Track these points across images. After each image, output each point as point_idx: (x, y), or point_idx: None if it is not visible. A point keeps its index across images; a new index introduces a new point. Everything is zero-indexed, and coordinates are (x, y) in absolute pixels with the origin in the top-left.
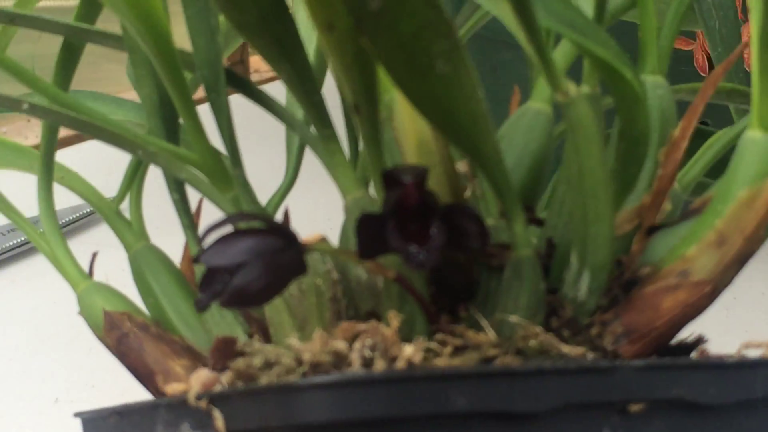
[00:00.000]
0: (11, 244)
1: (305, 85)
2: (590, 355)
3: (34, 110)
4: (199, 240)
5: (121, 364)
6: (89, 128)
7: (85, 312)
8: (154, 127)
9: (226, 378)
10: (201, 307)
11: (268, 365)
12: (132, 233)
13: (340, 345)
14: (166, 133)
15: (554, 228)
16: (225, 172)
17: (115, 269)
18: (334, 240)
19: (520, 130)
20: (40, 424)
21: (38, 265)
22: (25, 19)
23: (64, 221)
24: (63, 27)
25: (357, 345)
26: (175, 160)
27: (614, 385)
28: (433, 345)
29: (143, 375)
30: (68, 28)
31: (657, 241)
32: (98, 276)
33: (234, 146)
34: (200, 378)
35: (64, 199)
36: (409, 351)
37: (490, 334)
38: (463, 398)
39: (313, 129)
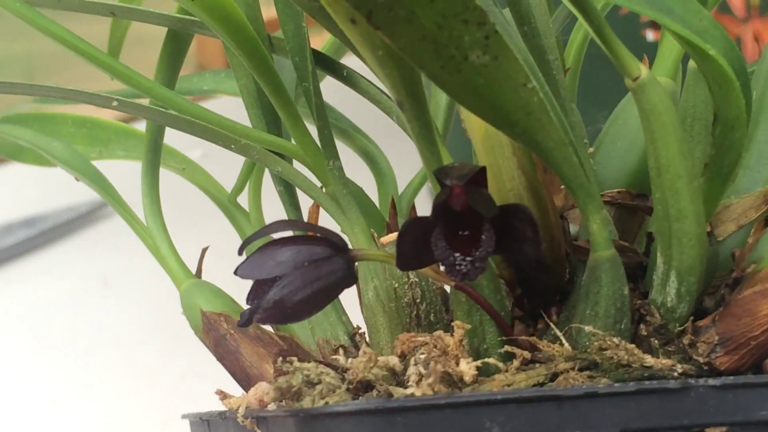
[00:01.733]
0: (7, 244)
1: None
2: (680, 368)
3: (123, 107)
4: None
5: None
6: (180, 122)
7: (186, 312)
8: (254, 117)
9: (269, 396)
10: (243, 323)
11: (310, 384)
12: (249, 224)
13: (393, 361)
14: (266, 124)
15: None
16: (323, 165)
17: (115, 270)
18: None
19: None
20: (37, 426)
21: (34, 266)
22: (127, 12)
23: (62, 221)
24: (164, 19)
25: (412, 360)
26: (269, 153)
27: (686, 408)
28: (493, 360)
29: (240, 378)
30: (170, 20)
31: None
32: (96, 278)
33: (330, 137)
34: (257, 392)
35: (64, 199)
36: (464, 367)
37: (566, 346)
38: (497, 428)
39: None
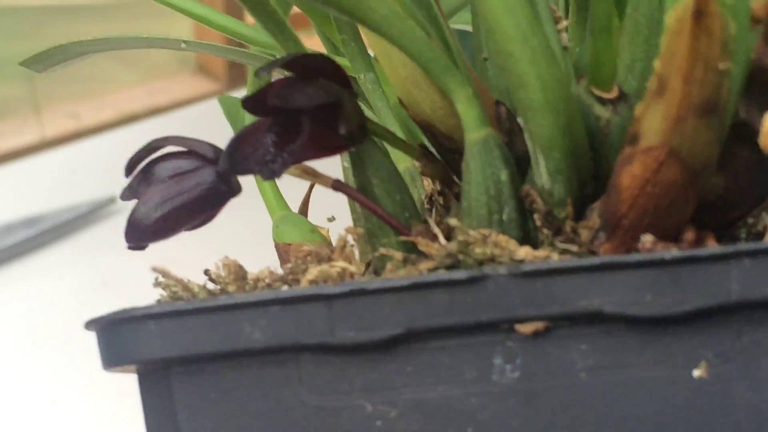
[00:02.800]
0: (7, 244)
1: None
2: (557, 259)
3: (190, 46)
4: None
5: None
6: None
7: (276, 238)
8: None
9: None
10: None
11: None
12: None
13: (264, 273)
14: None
15: None
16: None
17: (115, 270)
18: None
19: None
20: (37, 426)
21: (34, 266)
22: None
23: (62, 221)
24: None
25: (287, 267)
26: None
27: (483, 302)
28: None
29: None
30: None
31: None
32: (96, 278)
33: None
34: None
35: (64, 199)
36: (310, 273)
37: (443, 243)
38: (259, 332)
39: None
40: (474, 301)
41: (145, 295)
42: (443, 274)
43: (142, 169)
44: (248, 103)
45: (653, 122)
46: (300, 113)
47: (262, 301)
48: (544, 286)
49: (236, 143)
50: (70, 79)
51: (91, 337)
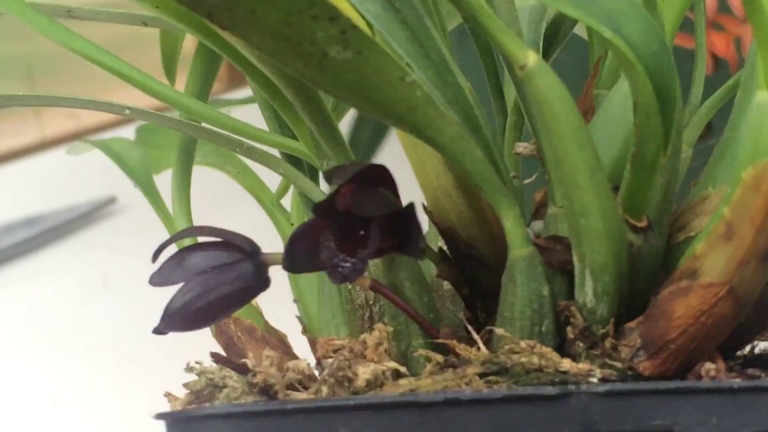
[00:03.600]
0: (7, 244)
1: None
2: (599, 373)
3: (135, 113)
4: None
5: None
6: (185, 126)
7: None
8: (268, 119)
9: (183, 399)
10: (156, 331)
11: (216, 387)
12: (290, 226)
13: (302, 365)
14: (279, 126)
15: None
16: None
17: (114, 270)
18: None
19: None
20: (37, 426)
21: (34, 266)
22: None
23: (62, 221)
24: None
25: (328, 362)
26: (271, 156)
27: (565, 417)
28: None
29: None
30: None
31: None
32: (96, 278)
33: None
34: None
35: (64, 199)
36: (363, 372)
37: (482, 350)
38: None
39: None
40: (557, 416)
41: (145, 295)
42: (535, 389)
43: (175, 257)
44: (322, 210)
45: (717, 262)
46: (368, 220)
47: (358, 405)
48: (622, 405)
49: (294, 242)
50: (70, 80)
51: (91, 337)
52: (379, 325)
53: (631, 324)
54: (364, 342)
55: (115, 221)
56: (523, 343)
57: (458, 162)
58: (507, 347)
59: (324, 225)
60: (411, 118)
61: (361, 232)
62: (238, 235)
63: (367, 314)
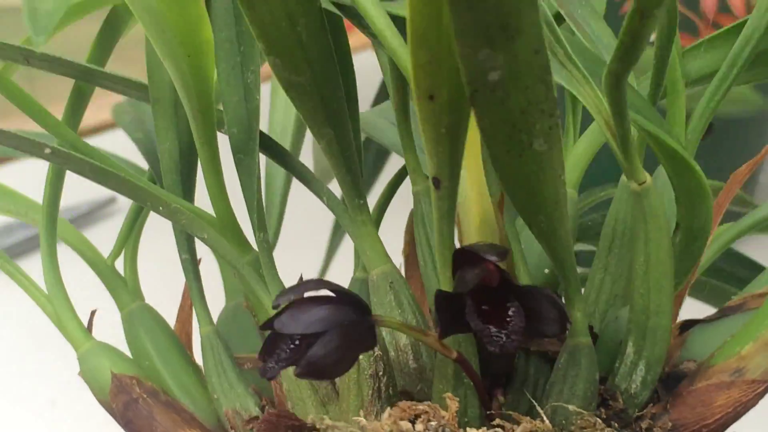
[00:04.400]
0: (7, 244)
1: (345, 151)
2: None
3: (55, 156)
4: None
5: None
6: (111, 178)
7: (88, 373)
8: (171, 183)
9: None
10: (270, 375)
11: None
12: (127, 291)
13: (406, 426)
14: (183, 191)
15: (591, 316)
16: (242, 235)
17: None
18: None
19: None
20: (37, 426)
21: (35, 266)
22: (40, 58)
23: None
24: (78, 69)
25: (419, 427)
26: (197, 219)
27: None
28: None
29: None
30: (84, 71)
31: (697, 337)
32: (96, 277)
33: (261, 210)
34: None
35: (64, 198)
36: None
37: (546, 423)
38: None
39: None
40: None
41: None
42: None
43: (297, 306)
44: (473, 284)
45: (762, 364)
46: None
47: None
48: None
49: (439, 310)
50: (71, 79)
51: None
52: (449, 395)
53: (657, 409)
54: (437, 409)
55: (115, 221)
56: (594, 419)
57: (561, 254)
58: (578, 422)
59: (457, 297)
60: (553, 210)
61: (490, 307)
62: (351, 292)
63: (376, 385)
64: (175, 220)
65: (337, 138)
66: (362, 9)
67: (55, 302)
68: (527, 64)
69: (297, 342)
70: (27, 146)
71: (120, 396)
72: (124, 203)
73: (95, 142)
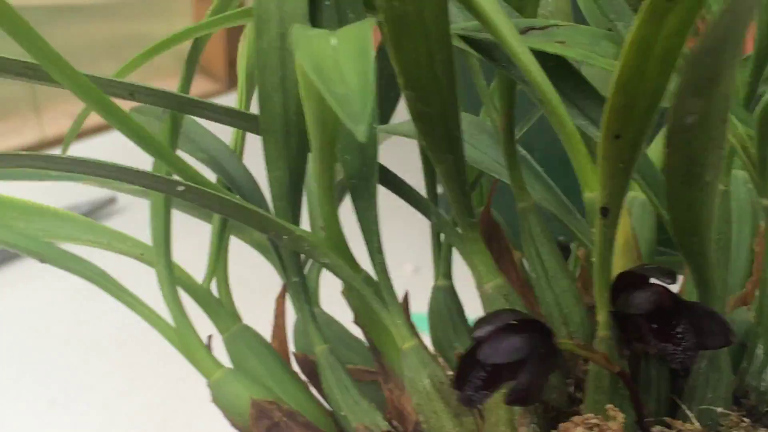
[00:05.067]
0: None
1: (461, 175)
2: None
3: (188, 193)
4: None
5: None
6: (242, 212)
7: (224, 400)
8: (280, 209)
9: None
10: (475, 403)
11: None
12: (225, 313)
13: None
14: (292, 217)
15: None
16: (352, 255)
17: (114, 269)
18: None
19: None
20: (37, 426)
21: (35, 267)
22: (145, 93)
23: None
24: (182, 101)
25: None
26: (320, 245)
27: None
28: None
29: None
30: (188, 103)
31: None
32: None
33: (378, 236)
34: None
35: (64, 199)
36: None
37: (696, 424)
38: None
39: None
40: None
41: (145, 295)
42: None
43: (499, 335)
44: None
45: None
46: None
47: None
48: None
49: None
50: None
51: (92, 337)
52: (610, 406)
53: None
54: (605, 422)
55: (115, 221)
56: (740, 418)
57: (702, 272)
58: (728, 423)
59: (632, 317)
60: (704, 234)
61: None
62: (536, 318)
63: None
64: (296, 248)
65: (456, 163)
66: (508, 46)
67: (183, 333)
68: (717, 108)
69: (489, 370)
70: (160, 184)
71: (261, 421)
72: (124, 203)
73: (94, 142)
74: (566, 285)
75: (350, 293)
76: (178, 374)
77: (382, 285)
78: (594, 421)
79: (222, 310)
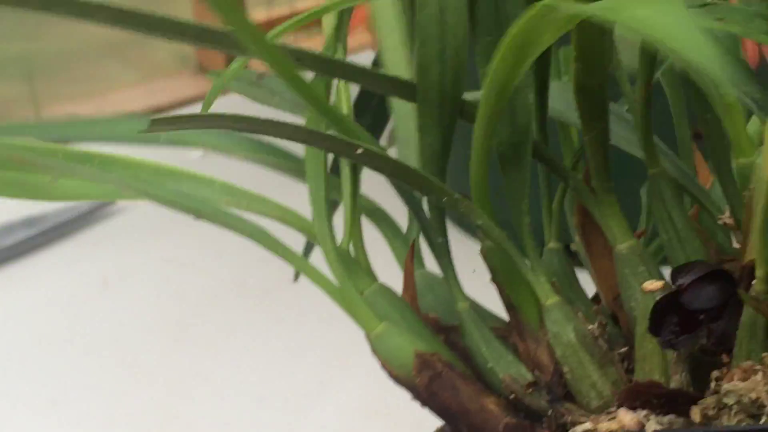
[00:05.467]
0: (7, 244)
1: (606, 141)
2: None
3: (365, 156)
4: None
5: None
6: (411, 174)
7: (387, 353)
8: (433, 173)
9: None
10: (673, 347)
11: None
12: (363, 272)
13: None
14: (440, 181)
15: None
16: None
17: (114, 270)
18: None
19: None
20: (37, 426)
21: (35, 266)
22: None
23: (62, 221)
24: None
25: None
26: (474, 208)
27: None
28: None
29: (457, 413)
30: (347, 69)
31: None
32: (96, 278)
33: (527, 200)
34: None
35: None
36: None
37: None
38: None
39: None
40: None
41: (145, 295)
42: None
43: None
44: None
45: None
46: None
47: None
48: None
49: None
50: (70, 79)
51: (92, 337)
52: (766, 354)
53: None
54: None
55: (115, 221)
56: None
57: None
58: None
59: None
60: None
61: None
62: (723, 269)
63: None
64: (454, 208)
65: (603, 131)
66: None
67: (345, 292)
68: None
69: (686, 316)
70: (340, 148)
71: (425, 372)
72: (125, 203)
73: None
74: (697, 245)
75: (490, 253)
76: (179, 374)
77: (527, 245)
78: (758, 367)
79: (360, 269)
